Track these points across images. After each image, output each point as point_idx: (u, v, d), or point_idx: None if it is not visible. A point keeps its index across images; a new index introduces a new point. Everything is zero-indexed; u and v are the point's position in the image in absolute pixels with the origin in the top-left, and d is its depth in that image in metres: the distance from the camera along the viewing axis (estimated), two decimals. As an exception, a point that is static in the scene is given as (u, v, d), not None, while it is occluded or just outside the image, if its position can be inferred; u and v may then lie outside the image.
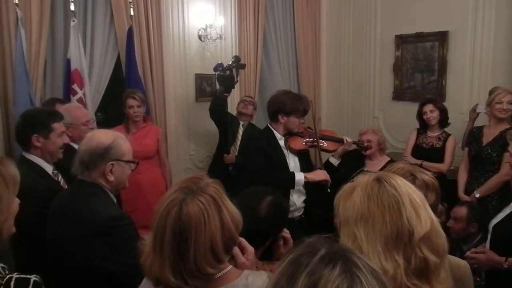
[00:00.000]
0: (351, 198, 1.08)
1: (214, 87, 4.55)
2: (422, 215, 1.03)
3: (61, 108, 2.85)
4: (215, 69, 3.87)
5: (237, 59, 3.95)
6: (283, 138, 2.97)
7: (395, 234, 1.01)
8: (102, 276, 1.63)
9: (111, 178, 1.74)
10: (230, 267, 1.25)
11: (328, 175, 2.87)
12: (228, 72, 3.81)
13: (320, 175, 2.86)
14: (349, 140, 3.17)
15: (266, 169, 2.81)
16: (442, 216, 1.53)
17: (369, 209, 1.04)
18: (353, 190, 1.09)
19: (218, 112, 3.94)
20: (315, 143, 3.01)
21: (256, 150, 2.89)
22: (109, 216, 1.66)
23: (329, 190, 2.85)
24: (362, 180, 1.11)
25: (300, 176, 2.81)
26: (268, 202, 1.67)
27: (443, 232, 1.06)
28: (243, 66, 4.11)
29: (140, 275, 1.66)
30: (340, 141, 3.19)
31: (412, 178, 1.48)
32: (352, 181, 1.14)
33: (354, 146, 3.42)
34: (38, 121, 2.23)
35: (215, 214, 1.17)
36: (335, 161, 3.16)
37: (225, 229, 1.18)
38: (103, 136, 1.76)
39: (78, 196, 1.73)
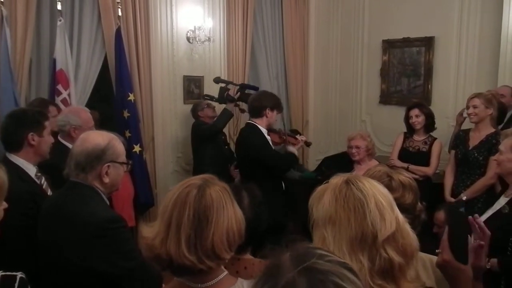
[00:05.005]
0: (322, 200, 1.12)
1: (203, 90, 4.54)
2: (387, 217, 1.05)
3: (67, 110, 2.83)
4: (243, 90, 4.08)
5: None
6: (267, 132, 3.31)
7: (360, 236, 1.04)
8: (99, 279, 1.60)
9: (106, 179, 1.71)
10: (225, 273, 1.25)
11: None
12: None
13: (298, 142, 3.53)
14: (303, 138, 3.68)
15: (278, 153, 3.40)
16: (422, 215, 1.55)
17: (336, 212, 1.08)
18: (324, 192, 1.13)
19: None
20: (285, 138, 3.55)
21: (265, 142, 3.26)
22: (106, 217, 1.63)
23: (283, 187, 3.38)
24: (333, 181, 1.15)
25: (295, 151, 3.41)
26: (246, 199, 1.58)
27: (410, 232, 1.09)
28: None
29: (137, 277, 1.64)
30: (295, 137, 3.68)
31: (389, 179, 1.51)
32: (327, 182, 1.17)
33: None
34: (32, 119, 2.19)
35: (230, 204, 1.22)
36: (292, 150, 3.53)
37: (237, 220, 1.22)
38: (99, 137, 1.72)
39: (74, 198, 1.69)
